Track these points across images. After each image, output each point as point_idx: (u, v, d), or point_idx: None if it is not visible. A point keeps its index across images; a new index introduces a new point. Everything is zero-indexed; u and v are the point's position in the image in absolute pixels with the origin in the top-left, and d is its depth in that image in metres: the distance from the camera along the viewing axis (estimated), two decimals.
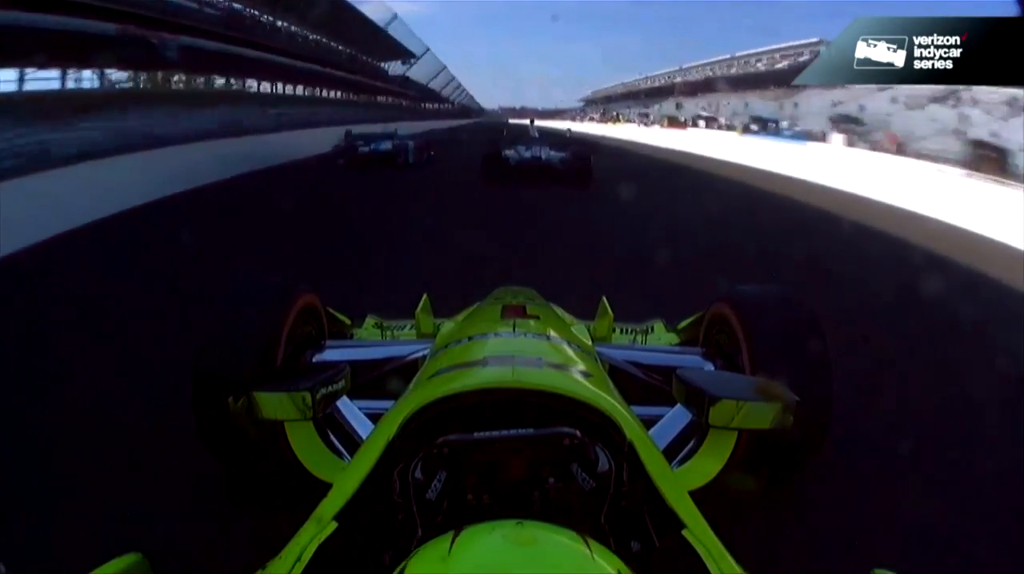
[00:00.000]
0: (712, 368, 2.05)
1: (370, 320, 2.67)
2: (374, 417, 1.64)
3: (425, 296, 2.45)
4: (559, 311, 2.22)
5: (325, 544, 1.04)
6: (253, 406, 1.48)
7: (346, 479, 1.19)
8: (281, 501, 1.84)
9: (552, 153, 11.04)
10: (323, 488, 1.35)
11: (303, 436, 1.68)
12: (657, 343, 2.46)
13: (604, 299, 2.39)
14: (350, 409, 1.75)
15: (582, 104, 53.90)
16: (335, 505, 1.13)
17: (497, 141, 11.90)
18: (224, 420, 1.66)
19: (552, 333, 1.75)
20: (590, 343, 1.98)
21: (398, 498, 1.15)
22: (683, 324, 2.45)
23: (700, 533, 1.02)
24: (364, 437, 1.48)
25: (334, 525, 1.08)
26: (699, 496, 1.18)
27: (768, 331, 1.88)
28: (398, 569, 0.83)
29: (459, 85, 52.34)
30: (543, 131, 13.36)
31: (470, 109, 58.47)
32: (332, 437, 1.75)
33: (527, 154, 11.02)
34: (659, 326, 2.55)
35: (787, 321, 1.92)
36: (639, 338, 2.50)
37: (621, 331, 2.50)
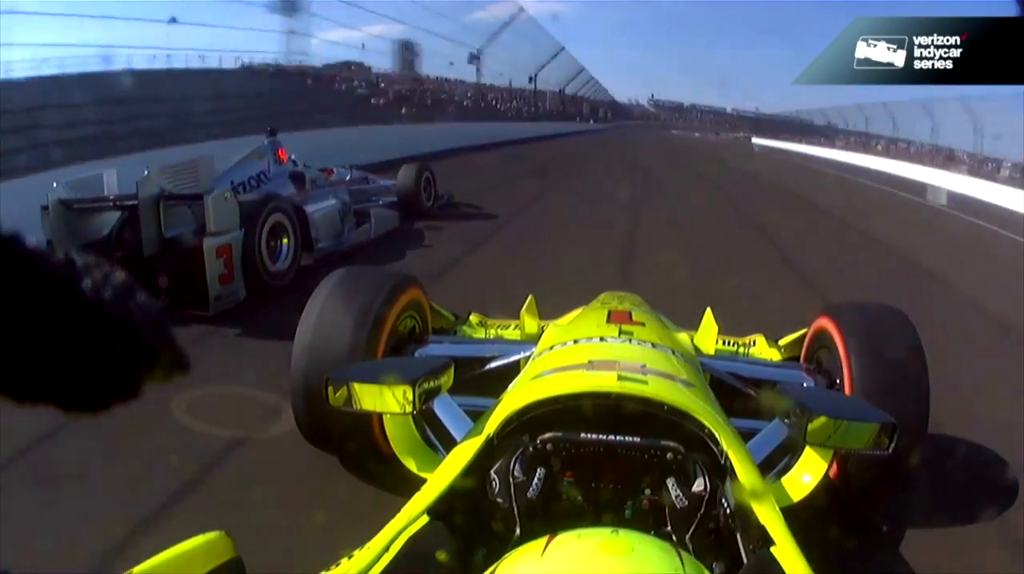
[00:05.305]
0: (812, 384, 2.06)
1: (474, 318, 2.66)
2: (473, 414, 1.63)
3: (531, 297, 2.42)
4: (663, 319, 2.23)
5: (415, 537, 1.04)
6: (352, 397, 1.45)
7: (442, 474, 1.19)
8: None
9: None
10: (415, 481, 1.34)
11: (401, 429, 1.67)
12: (758, 357, 2.47)
13: (709, 310, 2.39)
14: (449, 405, 1.73)
15: None
16: (428, 499, 1.13)
17: None
18: (321, 409, 1.63)
19: (656, 340, 1.76)
20: (693, 353, 1.99)
21: (497, 498, 1.15)
22: (785, 340, 2.46)
23: (788, 551, 1.02)
24: (462, 434, 1.48)
25: (426, 519, 1.09)
26: (791, 512, 1.18)
27: (870, 350, 1.87)
28: (490, 569, 0.84)
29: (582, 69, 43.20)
30: None
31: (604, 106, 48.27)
32: (429, 432, 1.73)
33: None
34: (761, 340, 2.55)
35: (890, 341, 1.91)
36: (741, 351, 2.51)
37: (723, 343, 2.50)
